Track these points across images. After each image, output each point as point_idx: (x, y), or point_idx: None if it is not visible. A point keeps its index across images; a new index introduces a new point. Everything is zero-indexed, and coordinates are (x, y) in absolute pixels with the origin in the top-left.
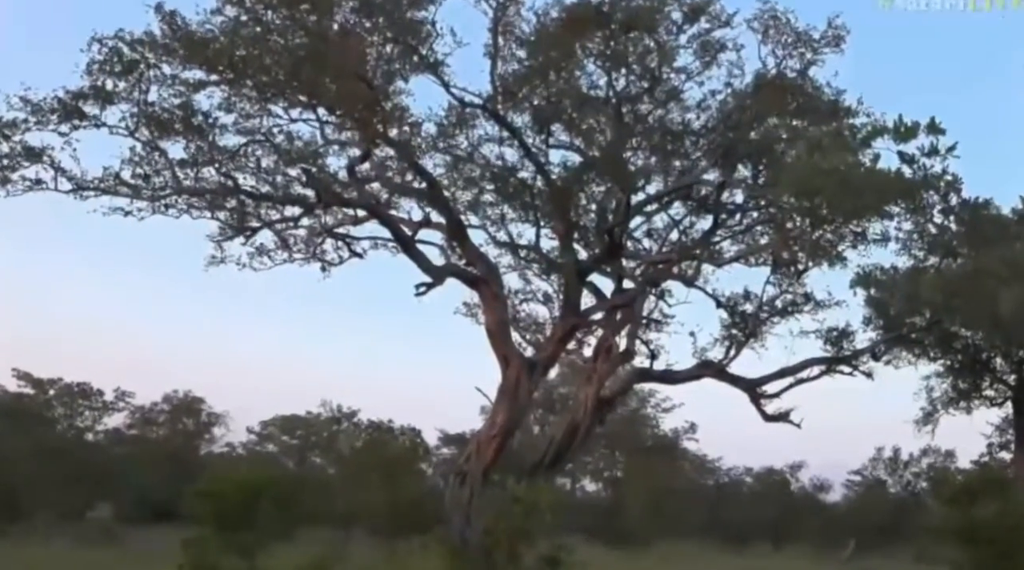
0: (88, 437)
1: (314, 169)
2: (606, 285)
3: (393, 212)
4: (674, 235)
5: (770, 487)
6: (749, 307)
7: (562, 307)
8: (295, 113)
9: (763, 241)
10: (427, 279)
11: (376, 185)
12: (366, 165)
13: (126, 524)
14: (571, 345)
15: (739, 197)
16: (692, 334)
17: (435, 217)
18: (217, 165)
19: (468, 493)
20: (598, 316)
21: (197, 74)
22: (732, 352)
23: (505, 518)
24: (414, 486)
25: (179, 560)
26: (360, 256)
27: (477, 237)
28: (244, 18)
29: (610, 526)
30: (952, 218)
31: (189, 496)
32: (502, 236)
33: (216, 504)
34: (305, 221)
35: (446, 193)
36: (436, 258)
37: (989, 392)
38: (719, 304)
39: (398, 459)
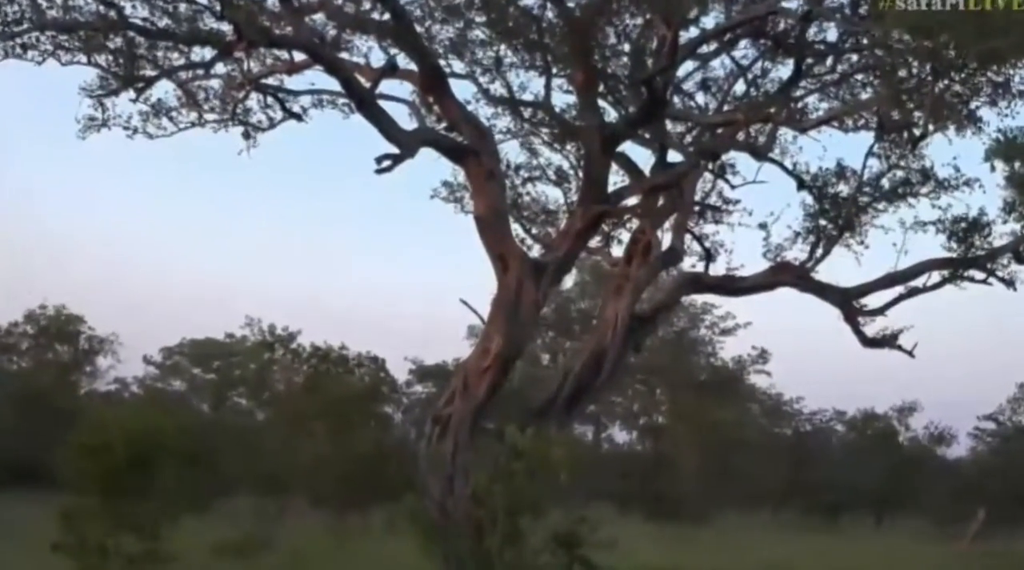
0: None
1: None
2: (643, 158)
3: (345, 55)
4: (739, 87)
5: (870, 438)
6: (844, 188)
7: (582, 189)
8: None
9: (864, 96)
10: (393, 150)
11: (321, 17)
12: None
13: None
14: (594, 242)
15: (831, 34)
16: (764, 226)
17: (404, 63)
18: None
19: (451, 447)
20: (632, 201)
21: None
22: (819, 251)
23: (502, 481)
24: (375, 438)
25: (53, 537)
26: (299, 118)
27: (462, 91)
28: None
29: (649, 491)
30: None
31: (64, 451)
32: (498, 89)
33: (101, 463)
34: (220, 68)
35: (419, 28)
36: (405, 120)
37: None
38: (802, 184)
39: (353, 400)
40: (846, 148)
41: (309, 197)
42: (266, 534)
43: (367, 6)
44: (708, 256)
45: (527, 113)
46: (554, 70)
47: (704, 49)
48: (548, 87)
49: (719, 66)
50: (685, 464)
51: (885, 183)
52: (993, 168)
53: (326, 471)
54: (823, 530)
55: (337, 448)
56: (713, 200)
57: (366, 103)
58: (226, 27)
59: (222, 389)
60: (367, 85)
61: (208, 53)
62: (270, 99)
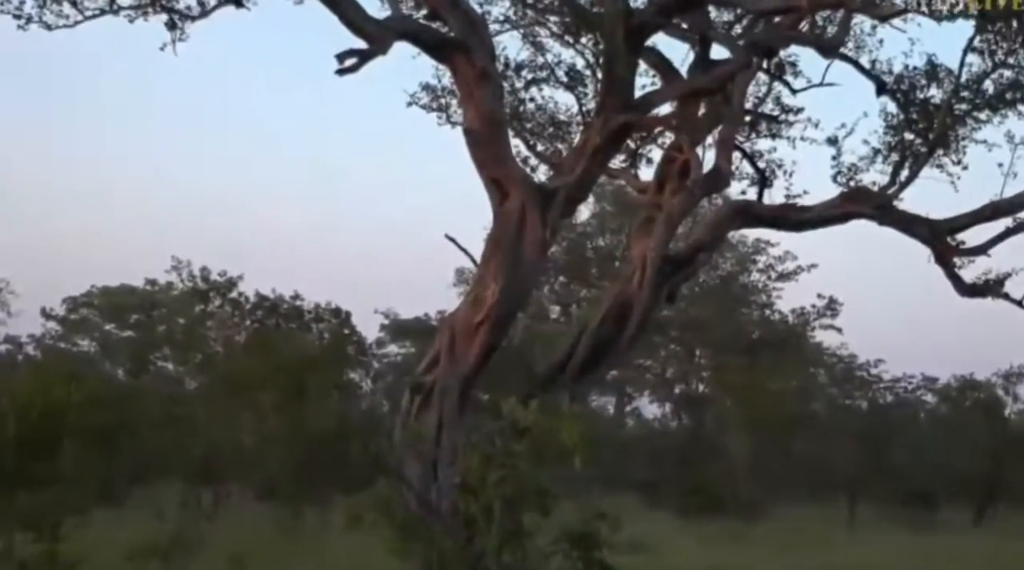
0: None
1: None
2: (679, 54)
3: None
4: None
5: (969, 412)
6: (936, 93)
7: (601, 94)
8: None
9: None
10: (359, 44)
11: None
12: None
13: None
14: (617, 162)
15: None
16: (833, 142)
17: None
18: None
19: (434, 422)
20: (665, 110)
21: None
22: (904, 174)
23: (500, 465)
24: (338, 411)
25: None
26: (238, 3)
27: None
28: None
29: (687, 480)
30: None
31: None
32: None
33: None
34: None
35: None
36: (375, 6)
37: None
38: (882, 88)
39: (310, 364)
40: (939, 41)
41: (252, 105)
42: (197, 532)
43: None
44: (762, 180)
45: None
46: None
47: None
48: None
49: None
50: (733, 445)
51: (989, 86)
52: None
53: (275, 453)
54: (909, 526)
55: (289, 424)
56: (769, 108)
57: None
58: None
59: (142, 350)
60: None
61: None
62: None
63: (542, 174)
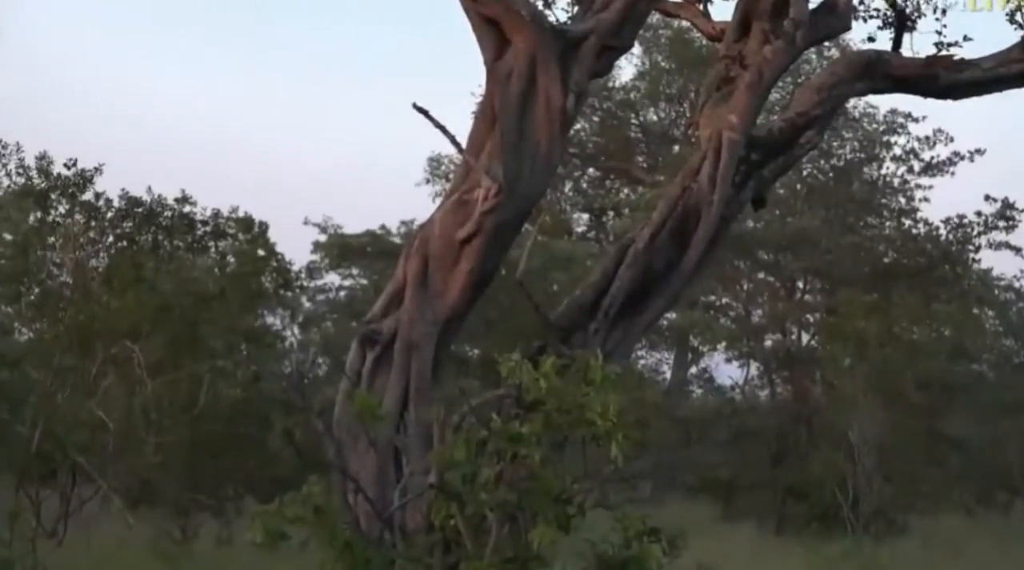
0: None
1: None
2: None
3: None
4: None
5: None
6: None
7: None
8: None
9: None
10: None
11: None
12: None
13: None
14: None
15: None
16: None
17: None
18: None
19: (397, 390)
20: None
21: None
22: None
23: (497, 455)
24: (247, 375)
25: None
26: None
27: None
28: None
29: (784, 476)
30: None
31: None
32: None
33: None
34: None
35: None
36: None
37: None
38: None
39: (205, 303)
40: None
41: None
42: (32, 559)
43: None
44: (900, 19)
45: None
46: None
47: None
48: None
49: None
50: (855, 425)
51: None
52: None
53: (154, 439)
54: None
55: (174, 395)
56: None
57: None
58: None
59: None
60: None
61: None
62: None
63: (562, 10)
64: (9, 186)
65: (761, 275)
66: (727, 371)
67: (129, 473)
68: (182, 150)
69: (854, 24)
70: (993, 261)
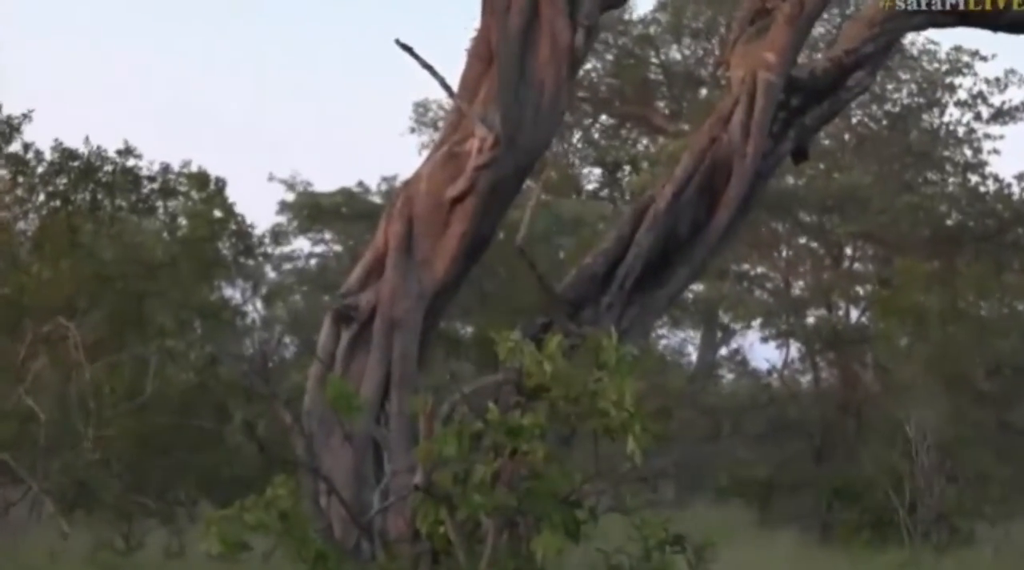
0: None
1: None
2: None
3: None
4: None
5: None
6: None
7: None
8: None
9: None
10: None
11: None
12: None
13: None
14: None
15: None
16: None
17: None
18: None
19: (377, 375)
20: None
21: None
22: None
23: (495, 450)
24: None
25: None
26: None
27: None
28: None
29: (831, 475)
30: None
31: None
32: None
33: None
34: None
35: None
36: None
37: None
38: None
39: (152, 272)
40: None
41: None
42: None
43: None
44: None
45: None
46: None
47: None
48: None
49: None
50: (913, 417)
51: None
52: None
53: (93, 432)
54: None
55: (116, 381)
56: None
57: None
58: None
59: None
60: None
61: None
62: None
63: None
64: None
65: (803, 240)
66: (763, 352)
67: (64, 473)
68: (127, 99)
69: None
70: None
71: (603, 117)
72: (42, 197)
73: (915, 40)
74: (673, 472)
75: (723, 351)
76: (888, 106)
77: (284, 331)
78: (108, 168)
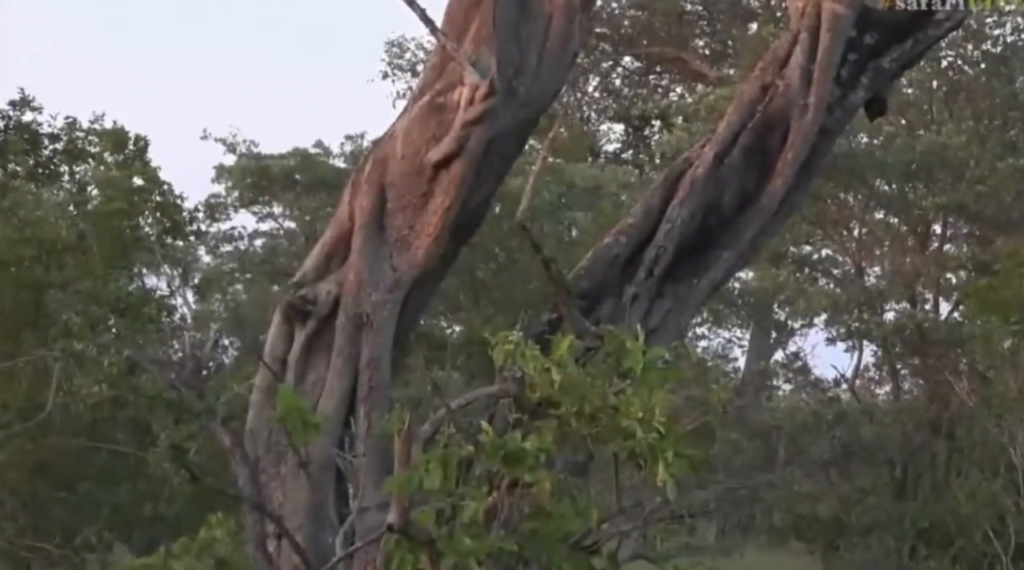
0: None
1: None
2: None
3: None
4: None
5: None
6: None
7: None
8: None
9: None
10: None
11: None
12: None
13: None
14: None
15: None
16: None
17: None
18: None
19: (340, 387)
20: None
21: None
22: None
23: (489, 481)
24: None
25: None
26: None
27: None
28: None
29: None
30: None
31: None
32: None
33: None
34: None
35: None
36: None
37: None
38: None
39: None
40: None
41: None
42: None
43: None
44: None
45: None
46: None
47: None
48: None
49: None
50: (1020, 438)
51: None
52: None
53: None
54: None
55: (5, 392)
56: None
57: None
58: None
59: None
60: None
61: None
62: None
63: None
64: None
65: (880, 215)
66: (829, 356)
67: None
68: (23, 42)
69: None
70: None
71: (626, 59)
72: None
73: None
74: (715, 509)
75: (779, 355)
76: (987, 45)
77: (222, 330)
78: (4, 123)
